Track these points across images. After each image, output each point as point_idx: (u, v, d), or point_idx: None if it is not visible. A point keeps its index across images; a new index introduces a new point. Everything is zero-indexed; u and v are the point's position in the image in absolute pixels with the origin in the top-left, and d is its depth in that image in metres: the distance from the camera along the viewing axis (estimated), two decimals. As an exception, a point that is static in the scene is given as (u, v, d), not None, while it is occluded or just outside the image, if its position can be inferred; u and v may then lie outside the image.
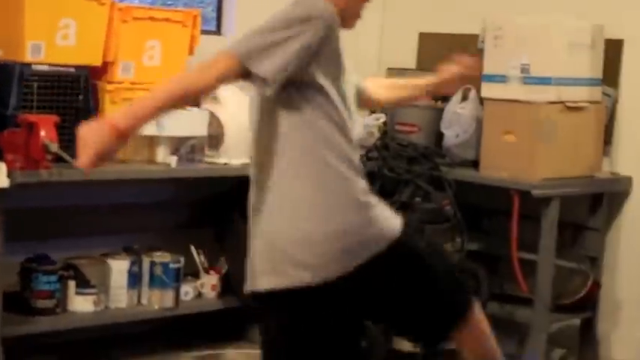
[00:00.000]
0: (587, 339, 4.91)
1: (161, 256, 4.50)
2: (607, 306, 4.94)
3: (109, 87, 4.25)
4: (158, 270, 4.45)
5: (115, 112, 2.59)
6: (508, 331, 4.85)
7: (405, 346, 4.56)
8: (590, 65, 4.69)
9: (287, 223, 2.59)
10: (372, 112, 5.01)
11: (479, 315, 2.92)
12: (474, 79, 3.36)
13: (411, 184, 4.61)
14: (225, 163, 4.48)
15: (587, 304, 4.84)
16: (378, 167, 4.67)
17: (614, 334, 4.97)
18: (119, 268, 4.39)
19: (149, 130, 4.19)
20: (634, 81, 4.90)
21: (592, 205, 4.85)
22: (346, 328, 2.67)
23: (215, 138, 4.48)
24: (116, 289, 4.38)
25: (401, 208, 4.34)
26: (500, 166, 4.59)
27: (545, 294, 4.55)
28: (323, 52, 2.52)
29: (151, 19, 4.36)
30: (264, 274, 2.63)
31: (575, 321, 4.94)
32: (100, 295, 4.32)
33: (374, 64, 5.66)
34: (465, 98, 4.82)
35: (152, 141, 4.30)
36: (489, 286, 4.52)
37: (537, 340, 4.55)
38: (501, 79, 4.58)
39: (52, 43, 4.09)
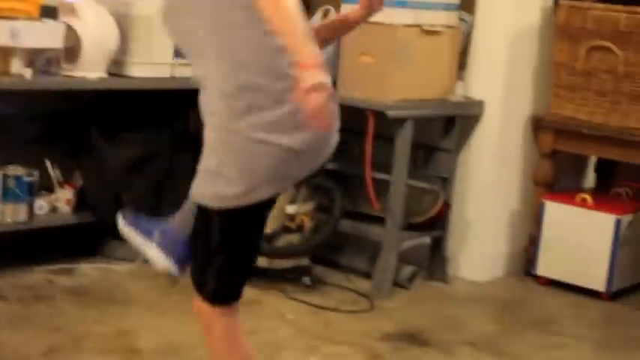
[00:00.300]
0: (436, 257, 5.06)
1: (14, 170, 4.43)
2: (456, 226, 5.10)
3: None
4: (11, 183, 4.39)
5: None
6: (360, 249, 4.99)
7: (261, 262, 4.62)
8: (447, -10, 4.78)
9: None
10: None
11: (221, 318, 2.77)
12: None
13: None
14: (82, 77, 4.42)
15: (438, 224, 4.98)
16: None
17: (463, 253, 5.13)
18: (-29, 180, 4.33)
19: (3, 40, 4.11)
20: (490, 8, 5.01)
21: (445, 128, 4.97)
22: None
23: (72, 51, 4.41)
24: (-32, 201, 4.32)
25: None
26: (356, 87, 4.65)
27: (396, 213, 4.66)
28: None
29: None
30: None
31: (426, 240, 5.09)
32: (-49, 207, 4.26)
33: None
34: (325, 17, 4.85)
35: (6, 52, 4.20)
36: (343, 205, 4.61)
37: (388, 257, 4.67)
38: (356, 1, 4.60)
39: None
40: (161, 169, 4.74)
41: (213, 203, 2.63)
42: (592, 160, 5.74)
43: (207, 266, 2.71)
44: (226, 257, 2.70)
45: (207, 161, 2.63)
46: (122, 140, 4.66)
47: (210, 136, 2.62)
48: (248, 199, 2.60)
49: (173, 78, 4.64)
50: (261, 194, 2.61)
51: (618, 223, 4.94)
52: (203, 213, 2.68)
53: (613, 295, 4.99)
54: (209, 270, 2.71)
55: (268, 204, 2.71)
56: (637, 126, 4.93)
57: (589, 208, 5.01)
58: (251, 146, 2.56)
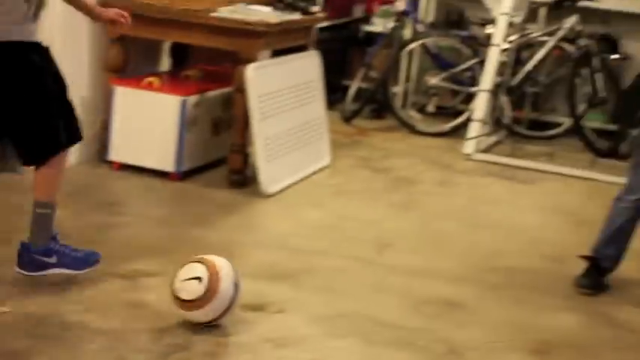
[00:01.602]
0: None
1: None
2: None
3: None
4: None
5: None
6: None
7: None
8: None
9: None
10: None
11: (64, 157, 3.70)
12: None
13: None
14: None
15: None
16: None
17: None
18: None
19: None
20: None
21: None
22: None
23: None
24: None
25: None
26: None
27: None
28: None
29: None
30: None
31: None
32: None
33: None
34: None
35: None
36: None
37: None
38: None
39: None
40: None
41: None
42: (168, 44, 5.82)
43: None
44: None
45: None
46: None
47: None
48: None
49: None
50: None
51: (184, 103, 5.05)
52: None
53: (182, 175, 5.13)
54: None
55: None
56: (199, 7, 5.03)
57: (155, 90, 5.09)
58: None
